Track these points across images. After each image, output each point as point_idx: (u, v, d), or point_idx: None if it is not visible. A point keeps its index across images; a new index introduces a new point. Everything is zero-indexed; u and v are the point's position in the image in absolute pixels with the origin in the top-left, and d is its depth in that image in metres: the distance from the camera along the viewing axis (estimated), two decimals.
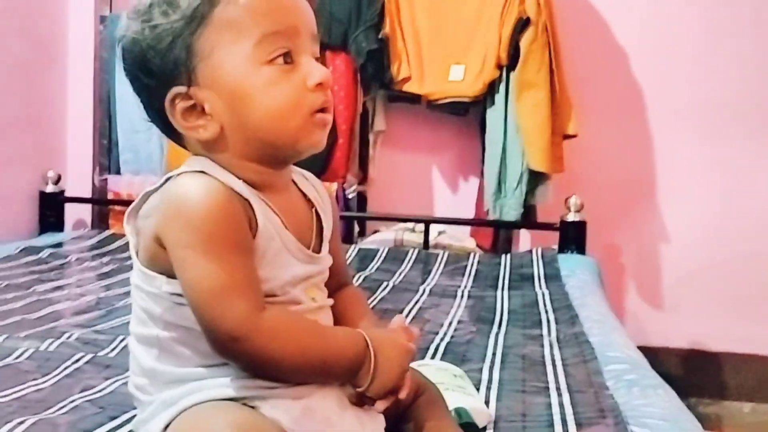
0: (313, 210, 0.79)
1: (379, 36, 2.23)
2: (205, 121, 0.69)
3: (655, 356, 2.47)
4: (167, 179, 0.70)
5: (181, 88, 0.69)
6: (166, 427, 0.66)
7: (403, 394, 0.72)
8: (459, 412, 0.85)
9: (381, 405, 0.71)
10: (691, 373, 2.47)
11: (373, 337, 0.71)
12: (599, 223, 2.29)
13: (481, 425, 0.86)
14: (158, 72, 0.69)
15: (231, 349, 0.65)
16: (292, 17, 0.70)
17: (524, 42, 2.16)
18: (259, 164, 0.71)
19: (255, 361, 0.65)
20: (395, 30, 2.27)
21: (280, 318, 0.67)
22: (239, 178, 0.70)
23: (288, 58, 0.69)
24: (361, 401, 0.71)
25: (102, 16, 2.40)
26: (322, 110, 0.71)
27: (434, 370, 0.98)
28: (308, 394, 0.68)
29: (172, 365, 0.69)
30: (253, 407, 0.66)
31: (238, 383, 0.66)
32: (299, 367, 0.67)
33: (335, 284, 0.81)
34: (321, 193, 0.81)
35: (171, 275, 0.67)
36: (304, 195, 0.79)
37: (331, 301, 0.79)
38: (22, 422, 0.80)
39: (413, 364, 0.91)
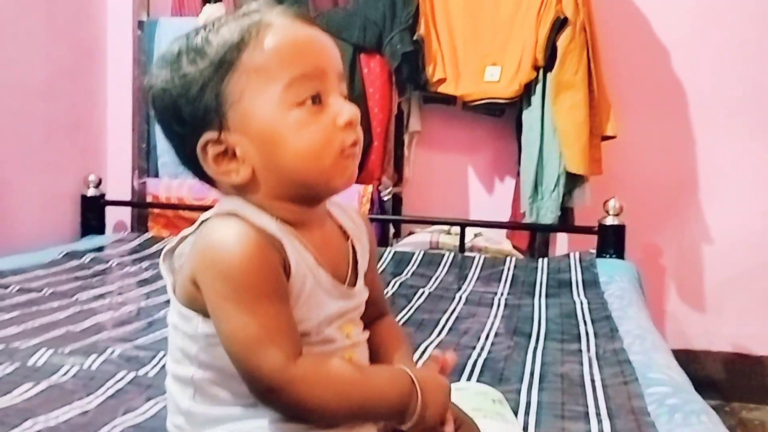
0: (349, 241, 0.79)
1: (414, 38, 2.22)
2: (237, 165, 0.70)
3: (697, 360, 2.46)
4: (202, 221, 0.71)
5: (213, 134, 0.69)
6: None
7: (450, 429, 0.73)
8: None
9: None
10: (735, 378, 2.42)
11: (418, 376, 0.71)
12: (639, 224, 2.25)
13: None
14: (189, 119, 0.70)
15: (270, 399, 0.66)
16: (319, 59, 0.71)
17: (561, 42, 2.12)
18: (292, 203, 0.72)
19: (294, 410, 0.66)
20: (430, 31, 2.25)
21: (315, 366, 0.67)
22: (273, 216, 0.70)
23: (317, 99, 0.69)
24: None
25: (140, 21, 2.43)
26: (353, 146, 0.72)
27: (473, 394, 0.98)
28: (346, 429, 0.69)
29: (207, 405, 0.70)
30: None
31: (275, 426, 0.67)
32: (339, 413, 0.67)
33: (372, 315, 0.81)
34: (358, 223, 0.81)
35: (207, 315, 0.68)
36: (340, 227, 0.79)
37: (366, 335, 0.78)
38: None
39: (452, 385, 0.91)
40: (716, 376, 2.42)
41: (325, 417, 0.67)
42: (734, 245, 2.40)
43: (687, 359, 2.37)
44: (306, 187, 0.71)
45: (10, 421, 0.90)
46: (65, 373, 1.08)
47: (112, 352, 1.19)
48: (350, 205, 0.84)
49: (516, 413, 0.98)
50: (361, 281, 0.78)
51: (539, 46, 2.15)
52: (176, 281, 0.72)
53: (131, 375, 1.08)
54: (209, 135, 0.69)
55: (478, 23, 2.24)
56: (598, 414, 0.99)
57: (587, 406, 1.02)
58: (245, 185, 0.70)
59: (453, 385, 0.97)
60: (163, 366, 1.11)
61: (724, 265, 2.42)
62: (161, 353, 1.18)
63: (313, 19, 0.76)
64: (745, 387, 2.40)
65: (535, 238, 2.35)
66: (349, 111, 0.70)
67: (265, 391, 0.65)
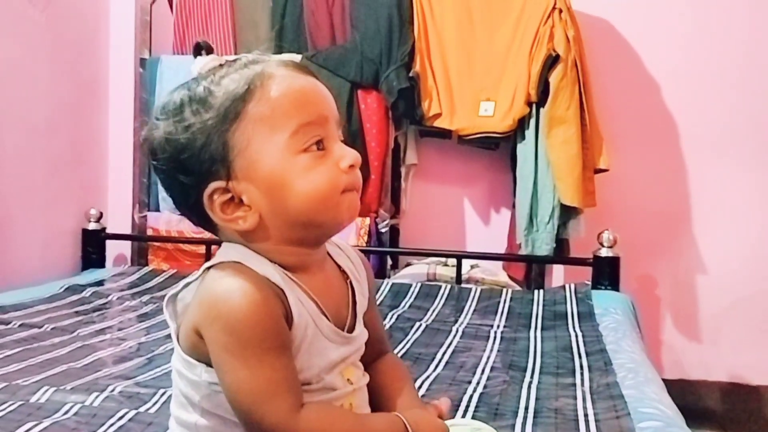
0: (348, 282, 0.81)
1: (410, 74, 2.27)
2: (244, 212, 0.72)
3: (693, 390, 2.47)
4: (206, 269, 0.73)
5: (220, 183, 0.71)
6: None
7: None
8: None
9: None
10: (731, 407, 2.43)
11: (410, 420, 0.73)
12: (634, 255, 2.28)
13: None
14: (195, 169, 0.71)
15: None
16: (321, 108, 0.74)
17: (554, 79, 2.17)
18: (297, 246, 0.74)
19: None
20: (426, 68, 2.30)
21: (318, 417, 0.69)
22: (276, 262, 0.72)
23: (320, 144, 0.73)
24: None
25: (142, 58, 2.49)
26: (352, 189, 0.75)
27: (469, 431, 1.00)
28: None
29: None
30: None
31: None
32: None
33: (374, 353, 0.83)
34: (355, 262, 0.84)
35: (210, 364, 0.69)
36: (339, 267, 0.81)
37: (366, 380, 0.80)
38: None
39: (447, 422, 0.93)
40: (713, 406, 2.43)
41: None
42: (728, 275, 2.42)
43: (683, 389, 2.39)
44: (314, 226, 0.73)
45: None
46: (67, 411, 1.10)
47: (113, 390, 1.21)
48: (346, 244, 0.86)
49: None
50: (360, 324, 0.80)
51: (532, 82, 2.20)
52: (179, 327, 0.74)
53: (132, 412, 1.10)
54: (216, 184, 0.71)
55: (472, 60, 2.30)
56: None
57: None
58: (252, 232, 0.72)
59: (447, 422, 0.99)
60: (164, 403, 1.14)
61: (719, 294, 2.44)
62: (161, 391, 1.20)
63: (309, 69, 0.79)
64: (742, 417, 2.41)
65: (531, 270, 2.37)
66: (352, 155, 0.74)
67: None
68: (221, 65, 0.75)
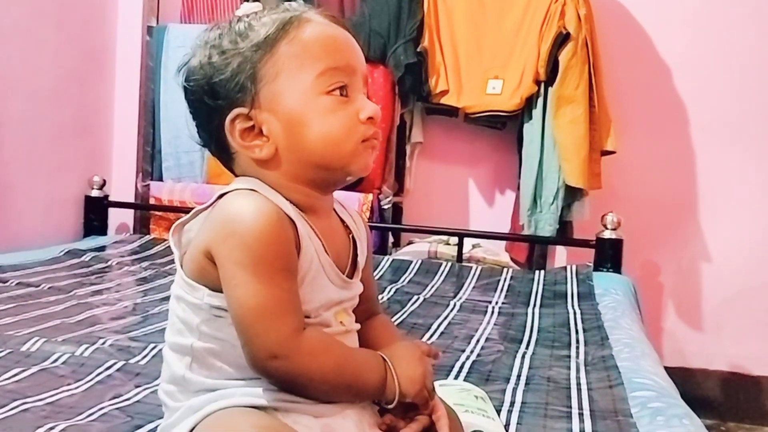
0: (350, 236, 0.83)
1: (418, 50, 2.25)
2: (262, 142, 0.74)
3: (693, 378, 2.44)
4: (219, 196, 0.73)
5: (243, 110, 0.74)
6: (191, 430, 0.69)
7: (433, 412, 0.75)
8: None
9: (424, 415, 0.75)
10: (731, 397, 2.41)
11: (386, 352, 0.75)
12: (638, 241, 2.26)
13: None
14: (223, 94, 0.74)
15: (269, 367, 0.68)
16: (351, 58, 0.76)
17: (563, 57, 2.14)
18: (307, 187, 0.76)
19: (291, 379, 0.68)
20: (434, 44, 2.28)
21: (318, 339, 0.71)
22: (287, 199, 0.74)
23: (344, 91, 0.74)
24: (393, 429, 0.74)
25: (149, 26, 2.47)
26: (372, 140, 0.76)
27: (456, 390, 0.99)
28: (329, 414, 0.71)
29: (203, 376, 0.72)
30: None
31: (264, 394, 0.69)
32: (334, 385, 0.70)
33: (365, 312, 0.84)
34: (357, 222, 0.85)
35: (214, 289, 0.71)
36: (343, 222, 0.83)
37: (358, 326, 0.81)
38: (53, 428, 0.84)
39: (434, 385, 0.92)
40: (713, 396, 2.41)
41: (318, 389, 0.70)
42: (733, 264, 2.40)
43: (684, 378, 2.36)
44: (324, 169, 0.75)
45: None
46: (56, 360, 1.09)
47: (104, 342, 1.21)
48: (348, 204, 0.88)
49: (499, 411, 0.99)
50: (358, 275, 0.82)
51: (541, 60, 2.18)
52: (184, 254, 0.75)
53: (121, 363, 1.09)
54: (240, 110, 0.74)
55: (481, 37, 2.27)
56: (580, 414, 1.00)
57: (570, 407, 1.03)
58: (266, 162, 0.74)
59: (437, 383, 0.99)
60: (154, 356, 1.13)
61: (723, 284, 2.42)
62: (152, 345, 1.19)
63: (346, 24, 0.80)
64: (742, 407, 2.39)
65: (533, 252, 2.35)
66: (372, 108, 0.76)
67: (266, 358, 0.67)
68: (263, 9, 0.78)
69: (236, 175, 0.78)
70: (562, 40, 2.15)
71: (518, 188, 2.33)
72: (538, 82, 2.20)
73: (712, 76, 2.36)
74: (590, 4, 2.18)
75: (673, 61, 2.38)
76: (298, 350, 0.68)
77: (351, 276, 0.80)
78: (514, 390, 1.09)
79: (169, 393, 0.74)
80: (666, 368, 1.38)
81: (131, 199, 2.49)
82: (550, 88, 2.19)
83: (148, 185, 2.48)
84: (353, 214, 0.85)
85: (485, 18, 2.27)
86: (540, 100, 2.21)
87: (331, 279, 0.76)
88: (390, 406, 0.74)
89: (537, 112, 2.22)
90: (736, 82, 2.35)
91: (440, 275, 2.04)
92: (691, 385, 2.38)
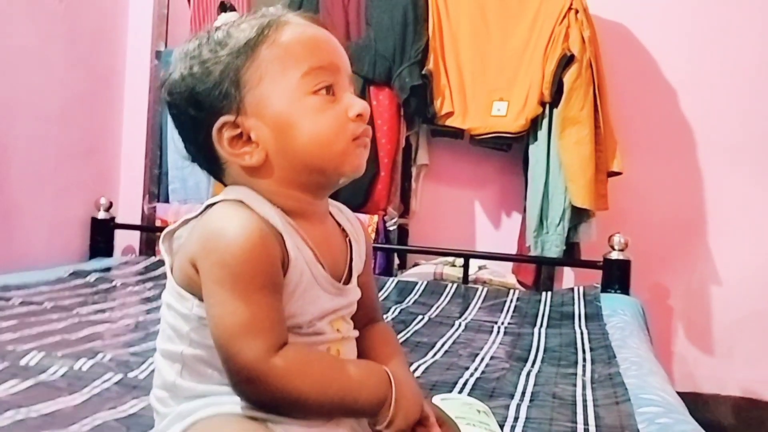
0: (348, 240, 0.81)
1: (423, 72, 2.26)
2: (252, 149, 0.73)
3: (705, 404, 2.39)
4: (207, 206, 0.72)
5: (229, 117, 0.73)
6: None
7: None
8: None
9: None
10: (744, 423, 2.35)
11: (396, 376, 0.72)
12: (646, 262, 2.23)
13: None
14: (207, 104, 0.73)
15: (247, 390, 0.66)
16: (333, 56, 0.75)
17: (568, 79, 2.15)
18: (300, 192, 0.74)
19: (270, 402, 0.66)
20: (439, 66, 2.29)
21: (296, 359, 0.67)
22: (278, 206, 0.72)
23: (330, 90, 0.74)
24: None
25: (158, 51, 2.50)
26: (362, 138, 0.75)
27: (458, 404, 0.96)
28: (321, 424, 0.69)
29: (194, 382, 0.71)
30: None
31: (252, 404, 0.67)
32: (315, 407, 0.68)
33: (365, 319, 0.83)
34: (356, 226, 0.84)
35: (202, 299, 0.69)
36: (340, 226, 0.81)
37: (356, 333, 0.80)
38: None
39: (436, 398, 0.90)
40: (725, 421, 2.36)
41: (302, 410, 0.68)
42: (743, 286, 2.36)
43: (695, 403, 2.31)
44: (317, 171, 0.74)
45: None
46: (54, 373, 1.08)
47: (104, 357, 1.19)
48: (346, 208, 0.86)
49: (502, 426, 0.97)
50: (354, 280, 0.80)
51: (546, 82, 2.18)
52: (174, 262, 0.74)
53: (119, 376, 1.08)
54: (226, 118, 0.73)
55: (486, 59, 2.28)
56: (586, 430, 0.97)
57: (576, 422, 1.01)
58: (257, 169, 0.73)
59: (439, 396, 0.97)
60: (153, 371, 1.12)
61: (734, 307, 2.38)
62: (151, 360, 1.18)
63: (325, 24, 0.80)
64: None
65: (540, 274, 2.33)
66: (361, 105, 0.75)
67: (243, 381, 0.66)
68: (241, 17, 0.78)
69: (226, 186, 0.76)
70: (566, 61, 2.15)
71: (524, 210, 2.32)
72: (543, 104, 2.21)
73: (717, 97, 2.36)
74: (594, 25, 2.20)
75: (678, 82, 2.39)
76: (270, 373, 0.65)
77: (347, 282, 0.78)
78: (518, 406, 1.07)
79: (160, 399, 0.73)
80: (677, 394, 1.34)
81: (137, 221, 2.49)
82: (555, 110, 2.19)
83: (155, 207, 2.49)
84: (351, 219, 0.84)
85: (490, 40, 2.29)
86: (545, 122, 2.21)
87: (324, 288, 0.74)
88: (377, 427, 0.71)
89: (542, 134, 2.22)
90: (742, 103, 2.34)
91: (446, 296, 2.03)
92: (703, 411, 2.33)
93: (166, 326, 0.73)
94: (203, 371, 0.70)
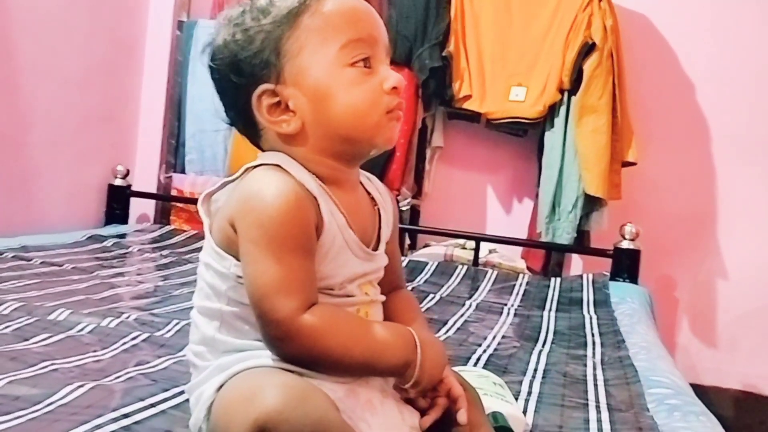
0: (377, 209, 0.83)
1: (443, 54, 2.27)
2: (289, 117, 0.75)
3: (706, 396, 2.41)
4: (245, 169, 0.75)
5: (269, 86, 0.75)
6: (220, 388, 0.70)
7: (443, 393, 0.75)
8: (495, 416, 0.86)
9: (422, 403, 0.75)
10: (745, 416, 2.38)
11: (421, 338, 0.74)
12: (655, 253, 2.26)
13: (516, 431, 0.87)
14: (248, 71, 0.75)
15: (278, 347, 0.69)
16: (373, 29, 0.76)
17: (588, 67, 2.16)
18: (333, 160, 0.76)
19: (300, 359, 0.69)
20: (459, 49, 2.30)
21: (324, 319, 0.70)
22: (313, 173, 0.74)
23: (367, 63, 0.75)
24: (404, 392, 0.74)
25: (180, 21, 2.52)
26: (397, 111, 0.77)
27: (475, 376, 0.99)
28: (353, 379, 0.72)
29: (232, 337, 0.73)
30: None
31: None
32: (343, 365, 0.70)
33: (389, 285, 0.85)
34: (384, 195, 0.86)
35: (239, 258, 0.72)
36: (369, 194, 0.84)
37: (383, 298, 0.82)
38: (81, 386, 0.85)
39: (453, 370, 0.93)
40: (725, 414, 2.38)
41: (330, 366, 0.70)
42: (750, 282, 2.39)
43: (696, 394, 2.35)
44: (350, 141, 0.76)
45: (26, 360, 0.94)
46: (82, 329, 1.12)
47: (128, 317, 1.23)
48: (375, 178, 0.88)
49: (516, 398, 1.00)
50: (383, 247, 0.82)
51: (566, 69, 2.19)
52: (213, 223, 0.76)
53: (146, 335, 1.11)
54: (266, 86, 0.75)
55: (506, 43, 2.29)
56: (597, 406, 1.00)
57: (588, 399, 1.04)
58: (293, 137, 0.75)
59: (455, 368, 0.99)
60: (178, 331, 1.15)
61: (739, 301, 2.41)
62: (175, 321, 1.21)
63: None
64: (755, 427, 2.37)
65: (549, 261, 2.36)
66: (396, 78, 0.76)
67: (275, 338, 0.69)
68: None
69: (264, 151, 0.79)
70: (587, 49, 2.16)
71: (537, 197, 2.34)
72: (561, 91, 2.22)
73: (735, 92, 2.37)
74: (616, 15, 2.20)
75: (697, 75, 2.39)
76: (301, 330, 0.68)
77: (375, 248, 0.81)
78: (531, 382, 1.10)
79: (198, 353, 0.76)
80: None
81: (153, 190, 2.52)
82: (573, 97, 2.21)
83: (171, 177, 2.51)
84: (380, 188, 0.86)
85: (511, 25, 2.29)
86: (563, 109, 2.23)
87: (354, 253, 0.77)
88: (405, 385, 0.73)
89: (559, 121, 2.24)
90: (759, 100, 2.35)
91: (456, 277, 2.05)
92: (704, 403, 2.35)
93: (204, 285, 0.76)
94: (240, 327, 0.73)
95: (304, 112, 0.74)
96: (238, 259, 0.72)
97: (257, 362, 0.70)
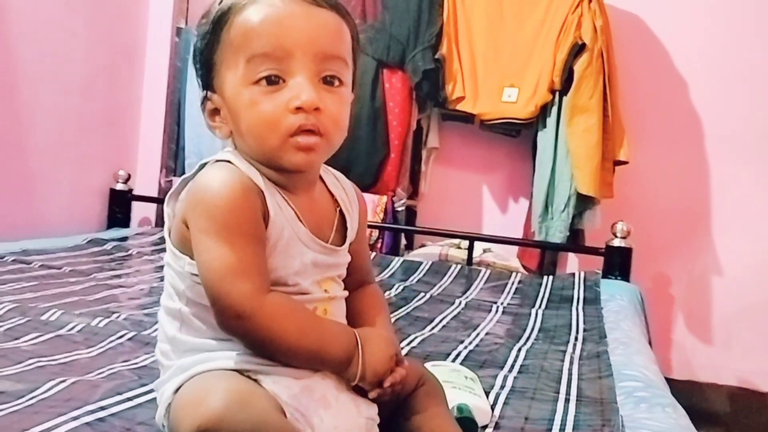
0: (338, 209, 0.84)
1: (436, 56, 2.30)
2: (222, 124, 0.78)
3: (701, 392, 2.44)
4: (200, 166, 0.77)
5: (205, 92, 0.78)
6: (178, 389, 0.73)
7: (387, 383, 0.76)
8: (460, 407, 0.88)
9: (373, 394, 0.76)
10: (739, 412, 2.39)
11: (361, 334, 0.77)
12: (649, 251, 2.27)
13: (480, 423, 0.90)
14: (198, 75, 0.79)
15: (234, 326, 0.71)
16: (285, 39, 0.72)
17: (578, 67, 2.18)
18: (269, 168, 0.76)
19: (255, 339, 0.71)
20: (452, 51, 2.33)
21: (281, 302, 0.72)
22: (260, 172, 0.76)
23: (274, 79, 0.72)
24: (358, 388, 0.76)
25: (178, 27, 2.56)
26: (306, 133, 0.73)
27: (447, 371, 1.03)
28: (309, 375, 0.74)
29: (191, 336, 0.76)
30: (255, 380, 0.72)
31: (244, 357, 0.73)
32: (296, 350, 0.72)
33: (356, 282, 0.87)
34: (350, 195, 0.87)
35: (194, 257, 0.73)
36: (331, 194, 0.84)
37: (345, 293, 0.84)
38: (64, 380, 0.89)
39: (426, 365, 0.96)
40: (720, 410, 2.40)
41: (281, 351, 0.72)
42: (744, 278, 2.40)
43: (691, 391, 2.37)
44: (267, 160, 0.76)
45: (14, 357, 0.98)
46: (72, 329, 1.16)
47: (119, 317, 1.27)
48: (344, 177, 0.88)
49: (488, 394, 1.02)
50: (345, 246, 0.84)
51: (556, 69, 2.22)
52: (172, 224, 0.78)
53: (132, 334, 1.15)
54: (204, 92, 0.79)
55: (498, 45, 2.32)
56: (567, 399, 1.03)
57: (558, 393, 1.06)
58: (235, 140, 0.78)
59: (430, 363, 1.02)
60: None
61: (734, 298, 2.42)
62: None
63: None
64: (749, 422, 2.37)
65: (544, 260, 2.38)
66: (305, 96, 0.72)
67: (231, 317, 0.70)
68: None
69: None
70: (578, 50, 2.19)
71: (531, 197, 2.37)
72: (553, 91, 2.25)
73: (727, 89, 2.38)
74: (607, 15, 2.22)
75: (688, 73, 2.41)
76: (260, 311, 0.69)
77: (337, 244, 0.81)
78: (506, 377, 1.13)
79: (164, 352, 0.79)
80: (674, 381, 1.39)
81: (154, 194, 2.56)
82: (564, 97, 2.23)
83: (171, 181, 2.56)
84: (347, 188, 0.86)
85: (503, 27, 2.32)
86: (554, 109, 2.25)
87: (307, 245, 0.77)
88: (352, 383, 0.75)
89: (551, 121, 2.26)
90: (750, 97, 2.37)
91: (449, 276, 2.08)
92: (699, 399, 2.38)
93: (168, 285, 0.79)
94: (198, 326, 0.75)
95: (229, 122, 0.76)
96: (192, 258, 0.73)
97: (213, 365, 0.72)
